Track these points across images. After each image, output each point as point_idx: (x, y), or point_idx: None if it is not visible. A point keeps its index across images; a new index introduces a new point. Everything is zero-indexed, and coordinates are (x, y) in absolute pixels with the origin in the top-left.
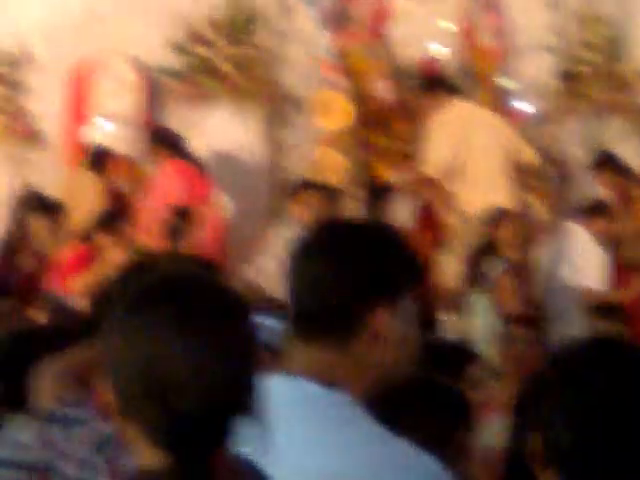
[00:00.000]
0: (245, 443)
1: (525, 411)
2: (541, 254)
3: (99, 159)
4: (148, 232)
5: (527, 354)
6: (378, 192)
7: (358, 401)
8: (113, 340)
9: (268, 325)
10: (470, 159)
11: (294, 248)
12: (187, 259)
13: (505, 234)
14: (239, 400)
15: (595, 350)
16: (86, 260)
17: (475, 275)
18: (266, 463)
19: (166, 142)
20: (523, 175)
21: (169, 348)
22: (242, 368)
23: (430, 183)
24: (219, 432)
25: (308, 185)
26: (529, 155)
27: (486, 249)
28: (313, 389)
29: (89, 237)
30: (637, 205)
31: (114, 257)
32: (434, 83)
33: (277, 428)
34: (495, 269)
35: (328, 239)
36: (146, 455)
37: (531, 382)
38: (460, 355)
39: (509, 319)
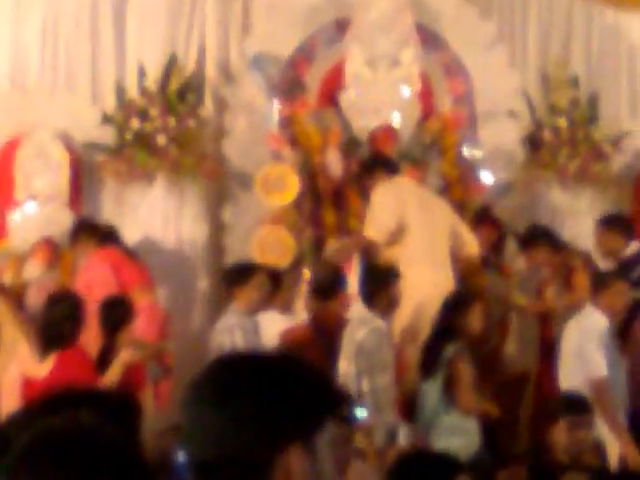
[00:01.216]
0: None
1: None
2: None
3: None
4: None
5: None
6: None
7: None
8: None
9: None
10: (411, 234)
11: (186, 392)
12: (102, 400)
13: (472, 319)
14: None
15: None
16: None
17: (431, 362)
18: None
19: (91, 232)
20: (462, 265)
21: None
22: None
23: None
24: None
25: (254, 269)
26: (471, 245)
27: (446, 334)
28: None
29: None
30: (578, 277)
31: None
32: (374, 163)
33: None
34: (453, 355)
35: (224, 379)
36: None
37: None
38: (445, 468)
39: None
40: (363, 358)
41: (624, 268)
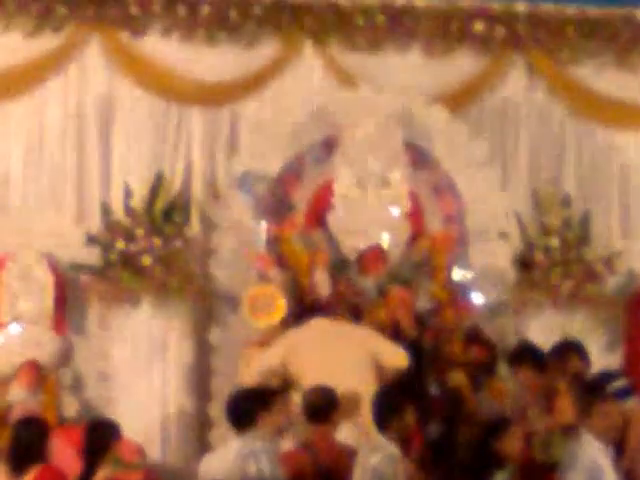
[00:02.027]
0: None
1: None
2: None
3: None
4: None
5: None
6: None
7: None
8: None
9: None
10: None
11: None
12: None
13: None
14: None
15: None
16: None
17: None
18: None
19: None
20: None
21: None
22: None
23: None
24: None
25: (276, 392)
26: (395, 360)
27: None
28: None
29: None
30: (561, 400)
31: None
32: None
33: None
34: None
35: None
36: None
37: None
38: None
39: None
40: None
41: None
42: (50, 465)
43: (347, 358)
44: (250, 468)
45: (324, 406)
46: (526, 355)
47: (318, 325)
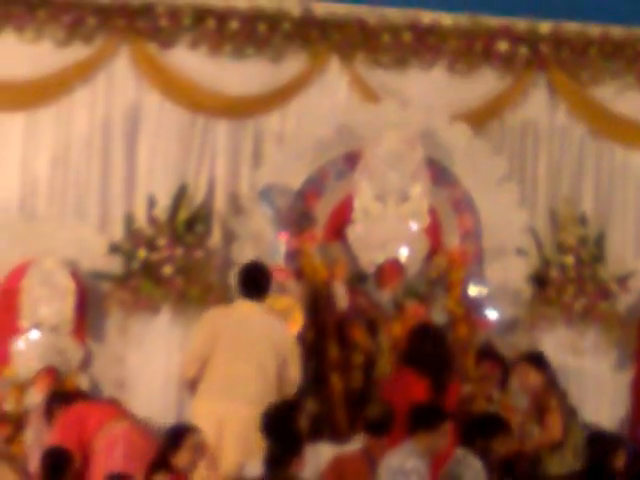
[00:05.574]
0: None
1: None
2: None
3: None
4: None
5: None
6: None
7: None
8: None
9: None
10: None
11: None
12: None
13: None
14: None
15: None
16: None
17: None
18: None
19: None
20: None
21: None
22: None
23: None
24: None
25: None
26: (294, 377)
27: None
28: None
29: None
30: (551, 417)
31: None
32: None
33: None
34: None
35: None
36: None
37: None
38: None
39: None
40: None
41: None
42: None
43: (262, 354)
44: None
45: (383, 421)
46: (528, 357)
47: (235, 313)
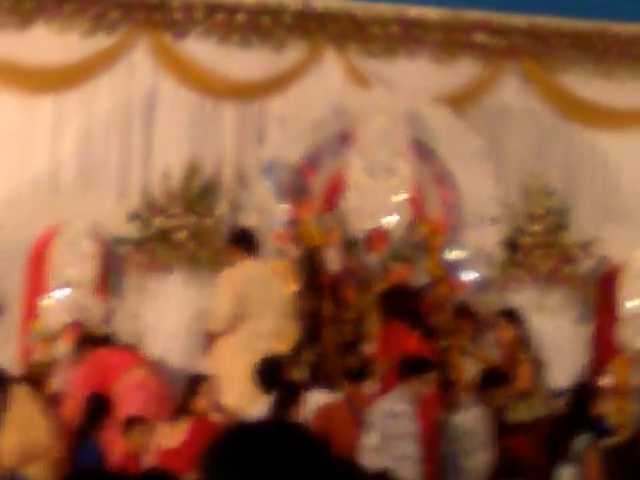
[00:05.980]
0: None
1: None
2: None
3: None
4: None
5: None
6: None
7: None
8: None
9: None
10: (244, 323)
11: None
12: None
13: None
14: None
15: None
16: None
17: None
18: None
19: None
20: None
21: None
22: None
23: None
24: None
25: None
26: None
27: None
28: None
29: None
30: (522, 369)
31: None
32: (237, 237)
33: None
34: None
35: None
36: None
37: None
38: None
39: None
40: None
41: None
42: None
43: (275, 310)
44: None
45: (362, 369)
46: (502, 313)
47: (252, 270)
